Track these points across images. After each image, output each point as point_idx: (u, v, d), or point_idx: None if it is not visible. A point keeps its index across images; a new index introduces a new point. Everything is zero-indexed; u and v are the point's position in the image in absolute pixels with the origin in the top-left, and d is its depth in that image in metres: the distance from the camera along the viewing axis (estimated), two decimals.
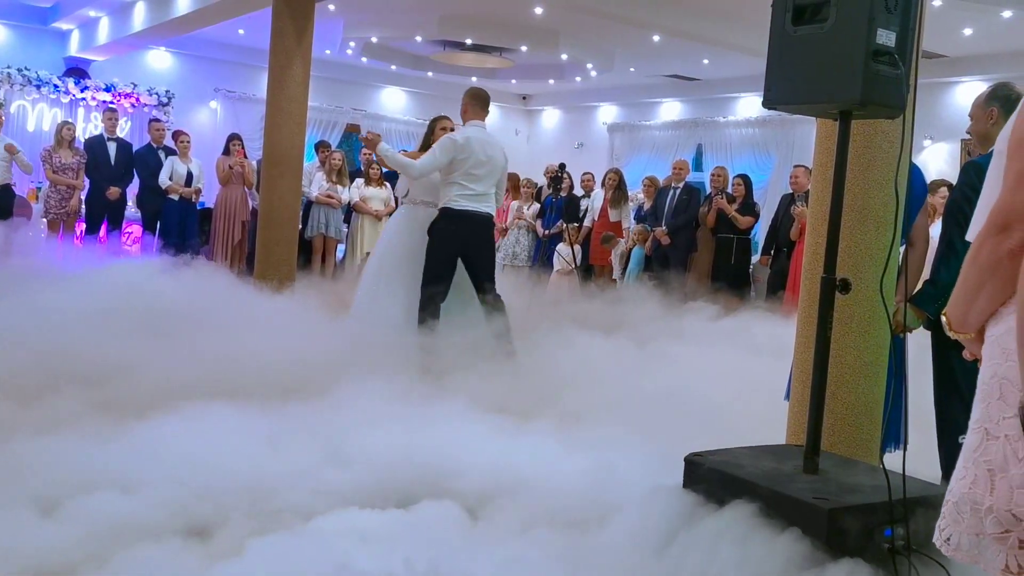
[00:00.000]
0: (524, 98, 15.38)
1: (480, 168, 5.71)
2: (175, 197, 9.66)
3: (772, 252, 8.92)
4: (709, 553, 2.35)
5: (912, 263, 3.62)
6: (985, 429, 1.44)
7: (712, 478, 2.63)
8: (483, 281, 5.77)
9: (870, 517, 2.46)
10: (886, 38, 2.49)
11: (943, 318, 1.62)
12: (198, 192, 9.92)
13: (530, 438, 3.68)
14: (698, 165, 12.40)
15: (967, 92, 9.62)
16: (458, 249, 5.71)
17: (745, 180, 9.30)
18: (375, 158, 6.41)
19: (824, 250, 3.21)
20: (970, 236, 1.66)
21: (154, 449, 3.09)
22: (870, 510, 2.47)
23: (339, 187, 10.26)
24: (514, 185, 10.81)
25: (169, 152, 9.89)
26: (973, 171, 3.45)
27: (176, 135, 10.14)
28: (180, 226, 9.66)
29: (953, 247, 3.45)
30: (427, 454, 3.28)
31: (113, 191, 9.50)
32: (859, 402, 3.23)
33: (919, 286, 3.66)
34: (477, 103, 5.91)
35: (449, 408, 3.91)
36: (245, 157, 10.13)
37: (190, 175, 9.80)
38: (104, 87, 11.88)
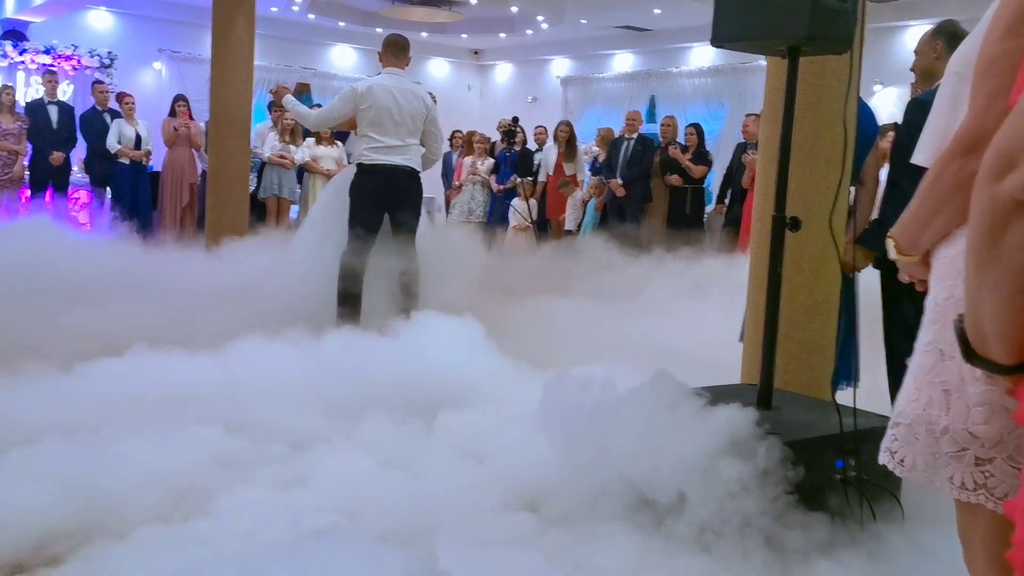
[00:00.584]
0: (476, 53, 15.20)
1: (386, 117, 5.27)
2: (126, 161, 9.44)
3: (727, 201, 8.99)
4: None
5: (861, 203, 3.65)
6: (940, 350, 1.46)
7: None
8: (400, 234, 5.32)
9: (823, 450, 2.51)
10: None
11: (889, 241, 1.62)
12: (148, 155, 9.70)
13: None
14: (651, 116, 12.38)
15: (916, 36, 9.65)
16: (375, 206, 5.29)
17: (697, 129, 9.33)
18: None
19: (773, 190, 3.26)
20: (916, 160, 1.66)
21: None
22: (823, 443, 2.52)
23: (292, 147, 10.07)
24: (467, 141, 10.72)
25: (115, 115, 9.64)
26: (917, 109, 3.48)
27: (120, 97, 9.86)
28: (133, 191, 9.46)
29: (899, 186, 3.48)
30: None
31: (57, 156, 9.24)
32: (811, 341, 3.27)
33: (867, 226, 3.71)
34: (389, 50, 5.51)
35: None
36: (191, 118, 9.91)
37: (138, 138, 9.56)
38: (43, 49, 11.48)
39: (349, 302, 5.15)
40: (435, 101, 5.80)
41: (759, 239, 3.32)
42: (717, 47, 2.75)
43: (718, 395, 2.86)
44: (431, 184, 11.44)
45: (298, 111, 5.59)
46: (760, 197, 3.34)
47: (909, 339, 3.53)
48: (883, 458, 1.58)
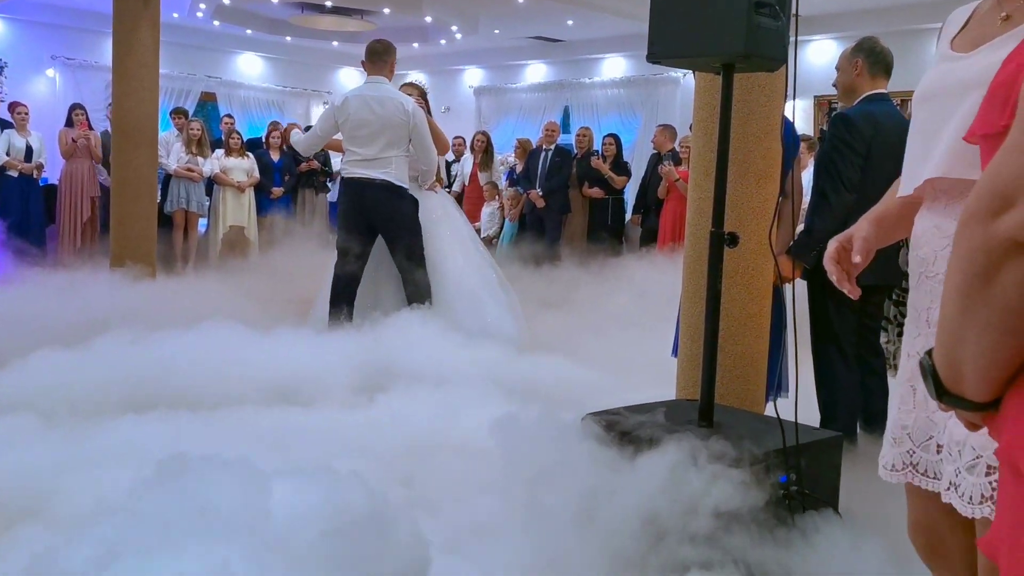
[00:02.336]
0: None
1: (363, 129, 5.21)
2: (14, 174, 8.94)
3: (642, 212, 9.09)
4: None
5: (787, 215, 3.71)
6: None
7: (612, 435, 2.62)
8: (396, 255, 5.27)
9: (768, 465, 2.51)
10: None
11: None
12: (40, 168, 9.21)
13: None
14: (566, 127, 12.46)
15: (818, 50, 10.02)
16: (357, 221, 5.26)
17: (616, 139, 9.43)
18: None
19: (708, 205, 3.26)
20: (903, 192, 1.67)
21: None
22: (768, 457, 2.51)
23: (199, 158, 9.75)
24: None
25: (5, 125, 9.13)
26: (842, 124, 3.56)
27: (12, 107, 9.35)
28: (23, 205, 8.96)
29: (826, 198, 3.56)
30: None
31: None
32: (745, 354, 3.29)
33: (795, 237, 3.77)
34: (368, 58, 5.38)
35: None
36: (90, 128, 9.47)
37: (30, 149, 9.08)
38: None
39: (336, 308, 5.21)
40: (427, 107, 5.67)
41: (693, 253, 3.32)
42: (652, 63, 2.73)
43: (661, 413, 2.85)
44: None
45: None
46: (693, 212, 3.35)
47: (839, 350, 3.61)
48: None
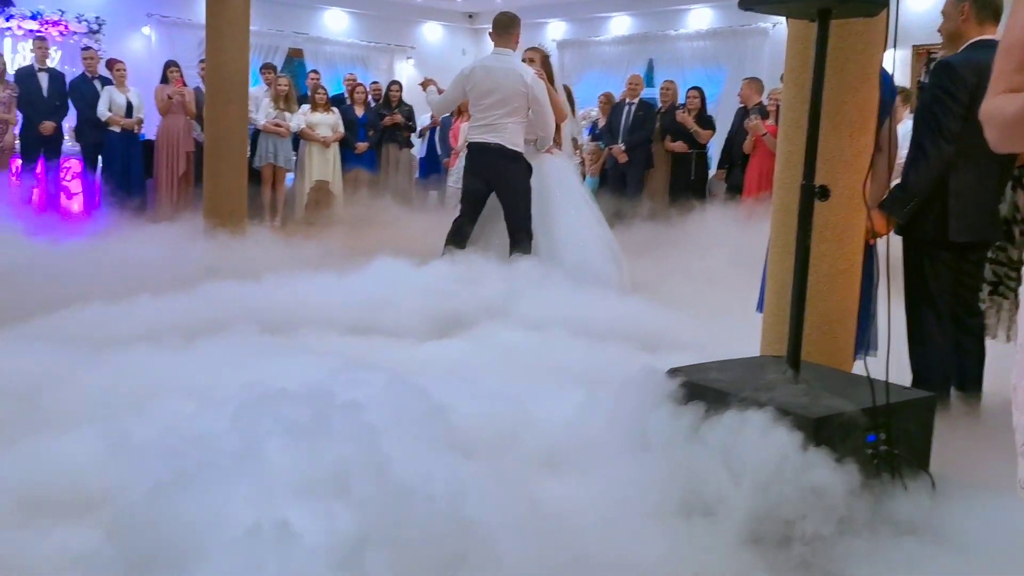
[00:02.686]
0: (470, 16, 14.96)
1: (486, 98, 5.63)
2: (116, 129, 9.27)
3: (727, 167, 8.90)
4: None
5: (881, 168, 3.58)
6: None
7: (694, 392, 2.61)
8: (506, 213, 5.69)
9: (854, 423, 2.46)
10: None
11: None
12: (140, 123, 9.52)
13: None
14: (649, 80, 12.23)
15: None
16: (477, 183, 5.76)
17: (700, 93, 9.22)
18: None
19: (798, 157, 3.18)
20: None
21: None
22: (854, 416, 2.47)
23: (287, 114, 9.93)
24: (464, 106, 10.58)
25: (105, 82, 9.45)
26: (944, 72, 3.41)
27: (110, 64, 9.66)
28: (124, 160, 9.31)
29: (923, 149, 3.42)
30: None
31: (47, 125, 9.07)
32: (834, 311, 3.22)
33: (888, 191, 3.64)
34: (494, 30, 5.81)
35: None
36: (184, 85, 9.73)
37: (129, 105, 9.38)
38: (30, 15, 11.23)
39: (447, 248, 5.72)
40: (550, 75, 6.04)
41: (781, 208, 3.25)
42: (745, 10, 2.66)
43: (746, 368, 2.82)
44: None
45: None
46: (783, 165, 3.26)
47: (933, 308, 3.49)
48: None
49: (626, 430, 2.51)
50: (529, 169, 5.77)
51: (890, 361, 2.60)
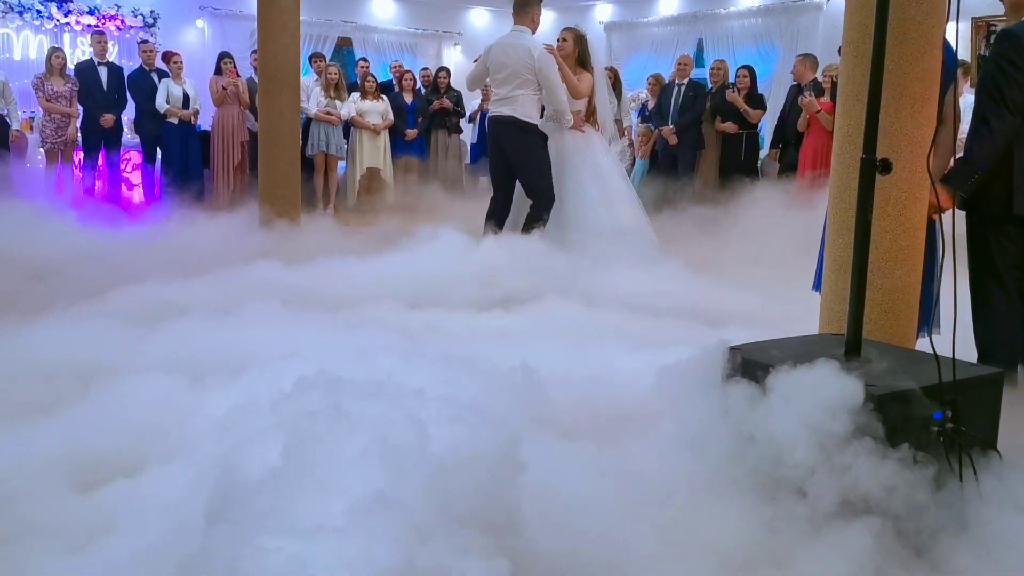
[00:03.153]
0: None
1: (500, 72, 6.03)
2: (174, 121, 9.46)
3: (780, 146, 8.76)
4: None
5: (943, 141, 3.50)
6: None
7: (755, 369, 2.58)
8: (525, 185, 6.05)
9: (920, 401, 2.42)
10: None
11: None
12: (196, 114, 9.71)
13: None
14: (700, 61, 12.06)
15: None
16: (496, 152, 6.15)
17: (750, 72, 9.08)
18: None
19: (857, 131, 3.12)
20: None
21: None
22: (919, 394, 2.43)
23: (337, 102, 10.04)
24: None
25: (162, 74, 9.65)
26: (1007, 41, 3.31)
27: (167, 57, 9.85)
28: (183, 151, 9.50)
29: (986, 122, 3.33)
30: None
31: (107, 118, 9.29)
32: (896, 288, 3.16)
33: (951, 165, 3.56)
34: (514, 9, 6.23)
35: None
36: (238, 75, 9.88)
37: (186, 97, 9.57)
38: (87, 10, 11.48)
39: (487, 226, 6.10)
40: (583, 55, 6.49)
41: (840, 184, 3.19)
42: None
43: (806, 346, 2.78)
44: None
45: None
46: (841, 139, 3.20)
47: (999, 284, 3.41)
48: None
49: (698, 403, 2.50)
50: (544, 139, 6.08)
51: (955, 339, 2.54)
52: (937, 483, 2.37)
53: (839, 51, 3.51)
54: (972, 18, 9.47)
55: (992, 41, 3.42)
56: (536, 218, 5.90)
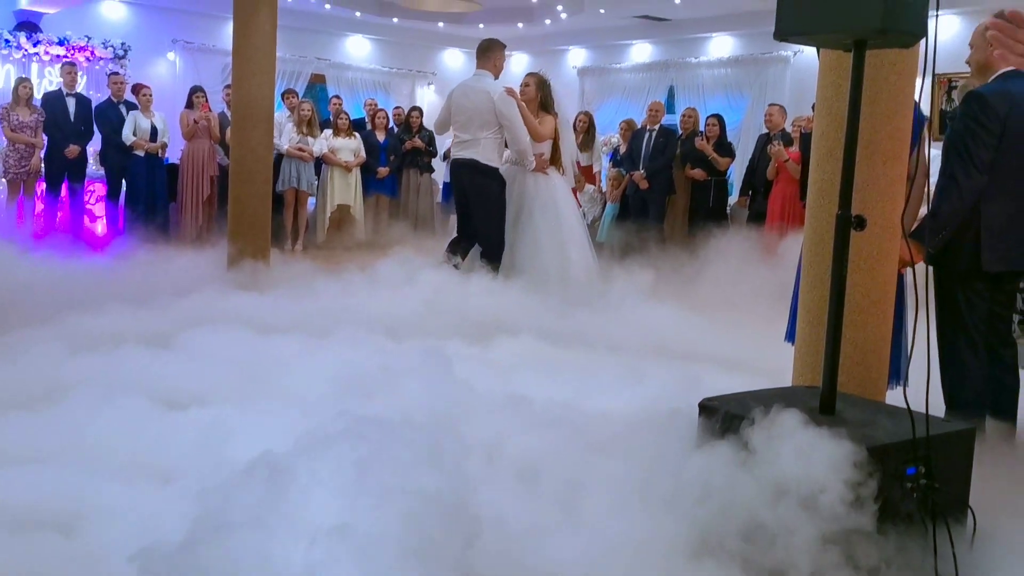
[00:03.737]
0: None
1: (461, 115, 6.16)
2: (140, 153, 9.38)
3: (749, 193, 8.88)
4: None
5: (911, 197, 3.56)
6: None
7: (730, 424, 2.58)
8: (479, 227, 6.13)
9: (897, 456, 2.43)
10: None
11: None
12: (164, 147, 9.63)
13: None
14: (670, 107, 12.25)
15: (941, 26, 9.53)
16: (458, 192, 6.26)
17: (719, 120, 9.23)
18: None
19: (831, 186, 3.17)
20: None
21: None
22: (896, 449, 2.43)
23: (309, 139, 10.02)
24: None
25: (130, 107, 9.57)
26: (976, 102, 3.40)
27: (136, 89, 9.79)
28: (148, 184, 9.40)
29: (955, 180, 3.40)
30: None
31: (72, 149, 9.18)
32: (867, 341, 3.18)
33: (919, 220, 3.62)
34: (477, 54, 6.39)
35: None
36: (210, 110, 9.84)
37: (154, 130, 9.50)
38: (57, 40, 11.40)
39: (449, 251, 6.28)
40: (545, 99, 6.51)
41: (814, 237, 3.23)
42: (780, 40, 2.65)
43: (781, 399, 2.79)
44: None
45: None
46: (815, 194, 3.25)
47: (967, 338, 3.45)
48: None
49: (673, 461, 2.48)
50: (502, 184, 6.18)
51: (928, 396, 2.56)
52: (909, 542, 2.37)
53: (812, 107, 3.57)
54: (934, 74, 9.72)
55: (960, 100, 3.50)
56: (489, 261, 6.05)
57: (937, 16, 2.47)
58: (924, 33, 2.48)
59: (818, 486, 2.25)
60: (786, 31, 2.62)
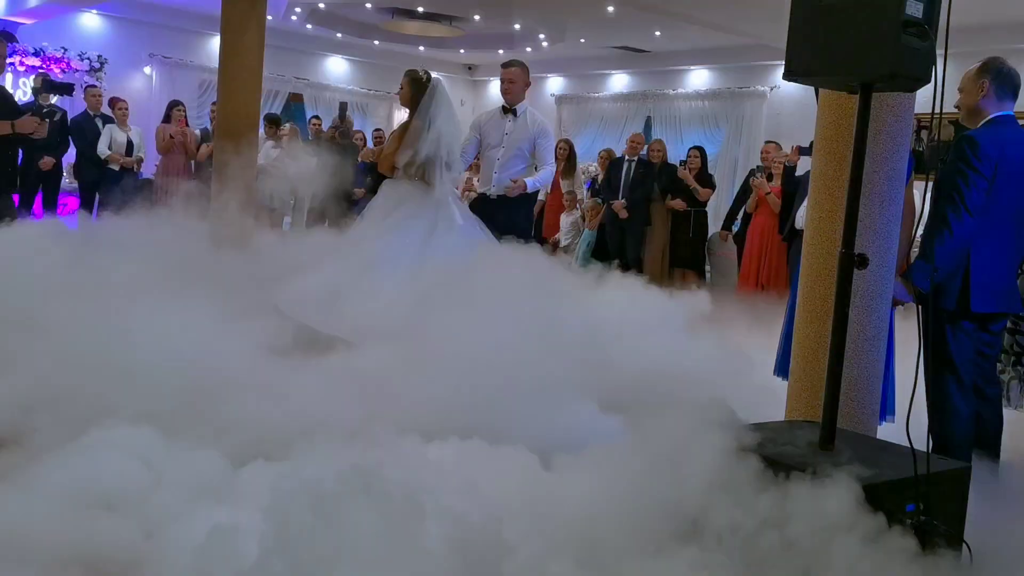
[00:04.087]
0: (470, 68, 15.17)
1: None
2: (115, 167, 9.26)
3: (734, 228, 8.95)
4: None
5: (901, 237, 3.63)
6: None
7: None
8: None
9: (897, 493, 2.46)
10: (915, 8, 2.45)
11: None
12: (140, 162, 9.53)
13: None
14: (648, 138, 12.39)
15: None
16: None
17: (701, 152, 9.33)
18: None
19: (828, 224, 3.23)
20: None
21: None
22: (897, 486, 2.47)
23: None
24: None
25: (106, 120, 9.47)
26: (967, 145, 3.48)
27: (113, 102, 9.70)
28: (122, 197, 9.26)
29: (947, 222, 3.47)
30: None
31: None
32: (861, 376, 3.24)
33: (911, 260, 3.69)
34: None
35: None
36: (187, 125, 9.76)
37: (130, 143, 9.40)
38: (33, 51, 11.28)
39: None
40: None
41: (811, 273, 3.28)
42: (789, 80, 2.70)
43: (778, 433, 2.82)
44: None
45: None
46: (812, 231, 3.30)
47: (955, 377, 3.50)
48: None
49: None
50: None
51: (929, 436, 2.60)
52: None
53: (810, 145, 3.64)
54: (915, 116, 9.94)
55: (953, 144, 3.59)
56: None
57: (946, 61, 2.53)
58: (929, 79, 2.54)
59: (822, 519, 2.28)
60: (795, 72, 2.67)
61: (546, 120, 6.18)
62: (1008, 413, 3.77)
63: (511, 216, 5.80)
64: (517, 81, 5.92)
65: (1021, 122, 3.85)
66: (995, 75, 3.57)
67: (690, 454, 2.51)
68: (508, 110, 5.97)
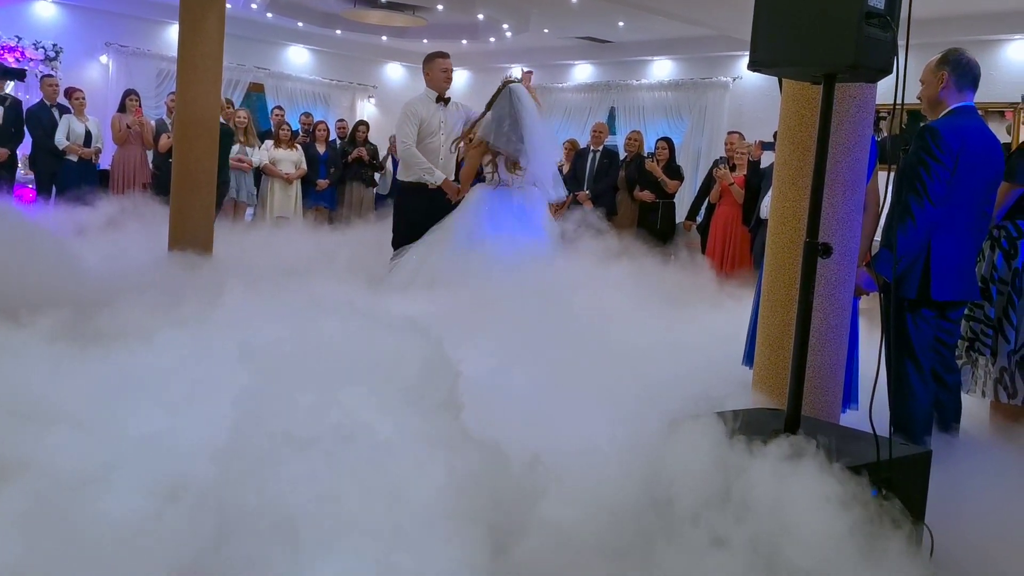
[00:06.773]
0: None
1: None
2: (73, 158, 9.09)
3: (699, 218, 9.01)
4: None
5: (866, 227, 3.68)
6: None
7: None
8: None
9: (860, 478, 2.50)
10: (877, 0, 2.48)
11: None
12: (98, 152, 9.36)
13: None
14: (612, 128, 12.42)
15: None
16: None
17: (669, 143, 9.36)
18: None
19: (792, 214, 3.26)
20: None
21: None
22: (860, 471, 2.50)
23: (248, 149, 9.85)
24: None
25: (63, 110, 9.28)
26: (929, 136, 3.53)
27: (69, 92, 9.50)
28: (78, 189, 9.10)
29: (910, 212, 3.52)
30: None
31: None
32: (825, 364, 3.27)
33: (875, 249, 3.74)
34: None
35: None
36: (143, 115, 9.60)
37: (88, 134, 9.22)
38: None
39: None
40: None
41: (775, 263, 3.31)
42: (754, 71, 2.72)
43: (745, 421, 2.84)
44: None
45: None
46: (776, 221, 3.33)
47: (914, 363, 3.56)
48: None
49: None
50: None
51: (892, 422, 2.64)
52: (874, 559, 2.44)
53: (774, 136, 3.67)
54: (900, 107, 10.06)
55: (915, 134, 3.63)
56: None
57: (907, 52, 2.56)
58: (891, 70, 2.57)
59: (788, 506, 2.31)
60: (760, 62, 2.69)
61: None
62: (963, 398, 3.85)
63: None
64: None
65: (981, 112, 3.93)
66: (955, 66, 3.62)
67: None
68: (441, 98, 6.52)
